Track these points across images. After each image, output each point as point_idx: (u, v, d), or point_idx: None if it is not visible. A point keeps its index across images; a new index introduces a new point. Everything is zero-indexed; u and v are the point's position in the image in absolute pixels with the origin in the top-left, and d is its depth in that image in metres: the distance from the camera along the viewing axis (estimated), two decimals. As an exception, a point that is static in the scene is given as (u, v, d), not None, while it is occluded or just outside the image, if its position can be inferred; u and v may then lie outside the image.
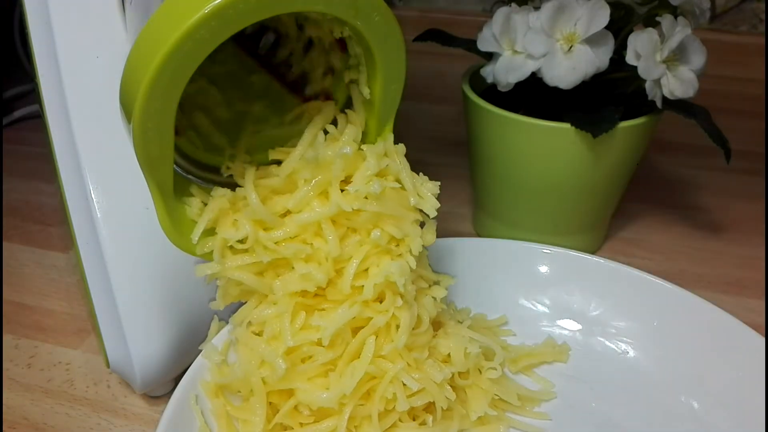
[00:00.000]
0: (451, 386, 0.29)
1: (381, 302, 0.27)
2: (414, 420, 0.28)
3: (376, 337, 0.27)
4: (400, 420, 0.28)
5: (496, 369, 0.30)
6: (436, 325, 0.31)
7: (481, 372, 0.31)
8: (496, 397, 0.30)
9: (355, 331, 0.27)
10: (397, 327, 0.27)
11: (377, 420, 0.27)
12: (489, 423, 0.30)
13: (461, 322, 0.32)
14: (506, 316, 0.36)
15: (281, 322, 0.27)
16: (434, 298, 0.30)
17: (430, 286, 0.30)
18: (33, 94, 0.63)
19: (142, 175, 0.23)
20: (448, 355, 0.29)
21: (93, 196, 0.28)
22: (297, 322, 0.27)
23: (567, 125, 0.34)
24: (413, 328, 0.28)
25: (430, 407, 0.29)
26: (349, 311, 0.26)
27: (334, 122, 0.28)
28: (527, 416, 0.31)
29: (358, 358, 0.27)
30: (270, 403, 0.27)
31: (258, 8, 0.20)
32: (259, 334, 0.28)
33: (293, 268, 0.26)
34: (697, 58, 0.34)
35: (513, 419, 0.30)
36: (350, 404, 0.27)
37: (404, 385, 0.27)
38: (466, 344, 0.29)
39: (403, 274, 0.26)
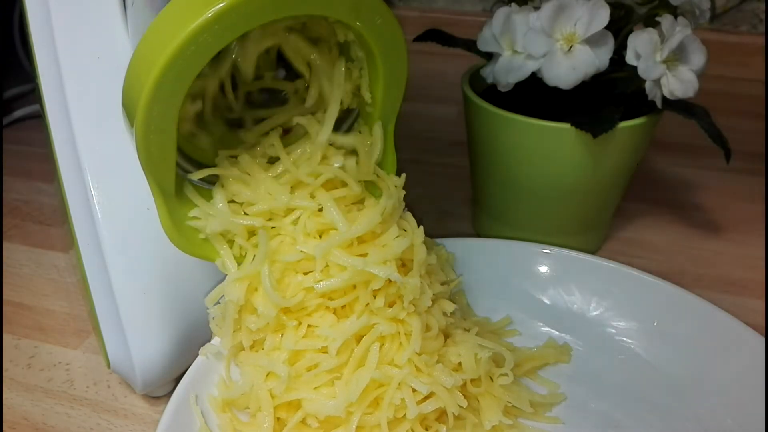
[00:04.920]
0: (463, 395, 0.28)
1: (390, 307, 0.27)
2: (426, 430, 0.28)
3: (382, 344, 0.27)
4: (412, 430, 0.27)
5: (507, 375, 0.30)
6: (444, 335, 0.30)
7: (492, 379, 0.30)
8: (509, 405, 0.30)
9: (360, 338, 0.27)
10: (406, 334, 0.27)
11: (386, 427, 0.26)
12: (503, 432, 0.29)
13: (468, 330, 0.32)
14: (510, 316, 0.36)
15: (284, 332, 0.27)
16: (445, 313, 0.30)
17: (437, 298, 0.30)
18: (33, 94, 0.63)
19: (144, 176, 0.23)
20: (459, 364, 0.29)
21: (93, 196, 0.28)
22: (300, 331, 0.27)
23: (567, 125, 0.34)
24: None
25: (441, 417, 0.29)
26: (357, 322, 0.26)
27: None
28: (540, 421, 0.30)
29: (364, 365, 0.27)
30: (278, 418, 0.27)
31: (261, 12, 0.20)
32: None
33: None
34: (697, 58, 0.34)
35: (525, 425, 0.30)
36: (357, 412, 0.26)
37: (414, 391, 0.27)
38: (476, 350, 0.29)
39: (413, 293, 0.27)
